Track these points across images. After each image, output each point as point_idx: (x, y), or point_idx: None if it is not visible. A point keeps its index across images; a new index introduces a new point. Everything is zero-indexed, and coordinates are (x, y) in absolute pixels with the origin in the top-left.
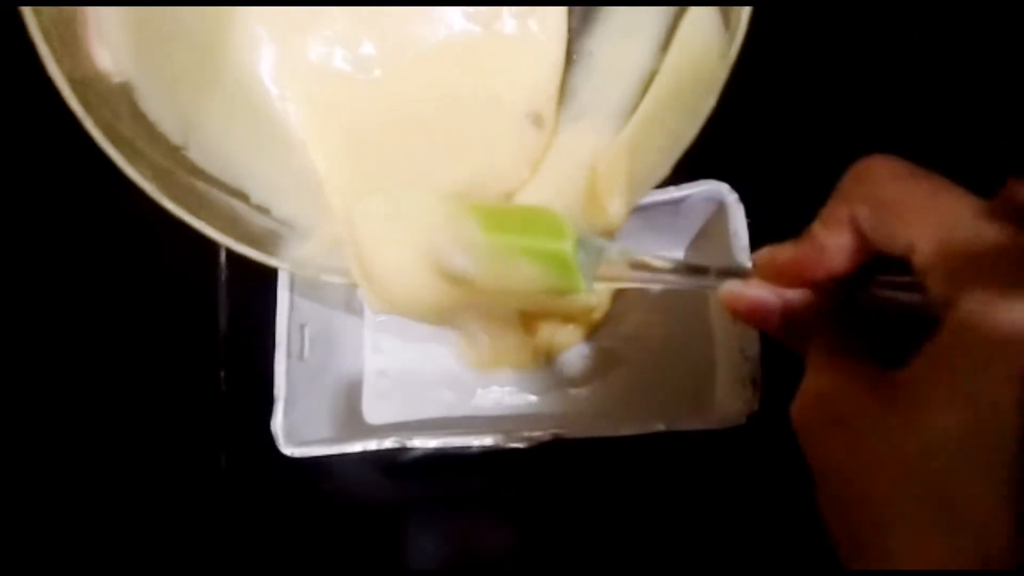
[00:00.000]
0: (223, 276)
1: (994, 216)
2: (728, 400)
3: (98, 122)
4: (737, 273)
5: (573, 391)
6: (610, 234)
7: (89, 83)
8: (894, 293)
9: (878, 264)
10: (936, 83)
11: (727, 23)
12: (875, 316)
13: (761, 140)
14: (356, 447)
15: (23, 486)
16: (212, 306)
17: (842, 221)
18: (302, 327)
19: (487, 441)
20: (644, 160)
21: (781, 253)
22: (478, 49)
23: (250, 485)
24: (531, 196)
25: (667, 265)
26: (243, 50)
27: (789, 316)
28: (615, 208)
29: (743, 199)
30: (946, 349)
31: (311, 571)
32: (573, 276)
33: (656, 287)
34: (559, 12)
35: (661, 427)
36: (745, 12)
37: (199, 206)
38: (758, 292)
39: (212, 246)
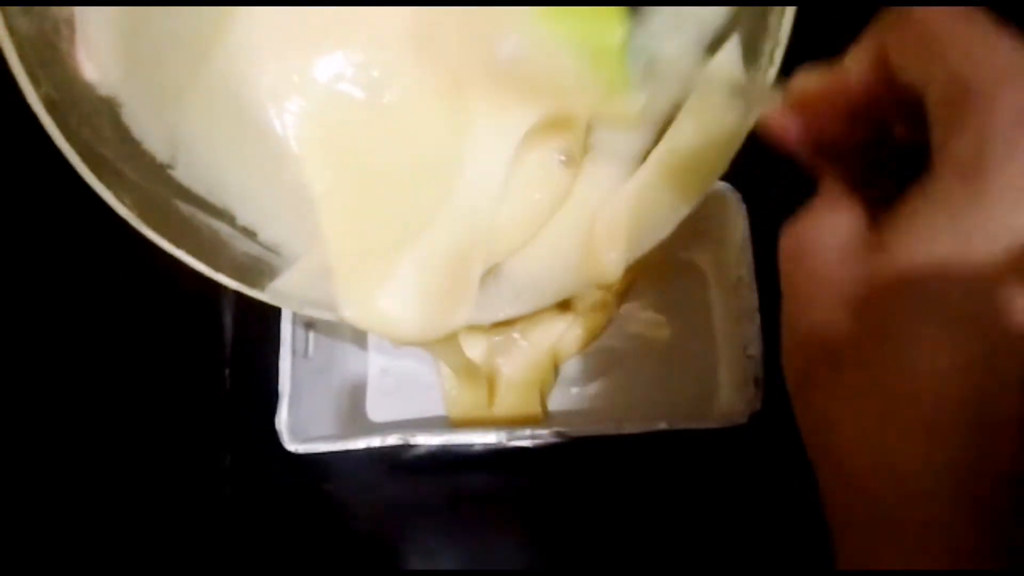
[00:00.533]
0: None
1: None
2: (731, 399)
3: (76, 145)
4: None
5: (576, 390)
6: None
7: (69, 104)
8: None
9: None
10: None
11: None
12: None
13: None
14: (360, 444)
15: (28, 483)
16: (218, 305)
17: (870, 47)
18: (307, 326)
19: (490, 439)
20: (648, 213)
21: (812, 79)
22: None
23: (254, 483)
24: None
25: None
26: (242, 58)
27: (819, 143)
28: (611, 260)
29: (745, 199)
30: (921, 200)
31: (315, 568)
32: (620, 72)
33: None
34: None
35: (663, 426)
36: (771, 73)
37: (182, 232)
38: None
39: None
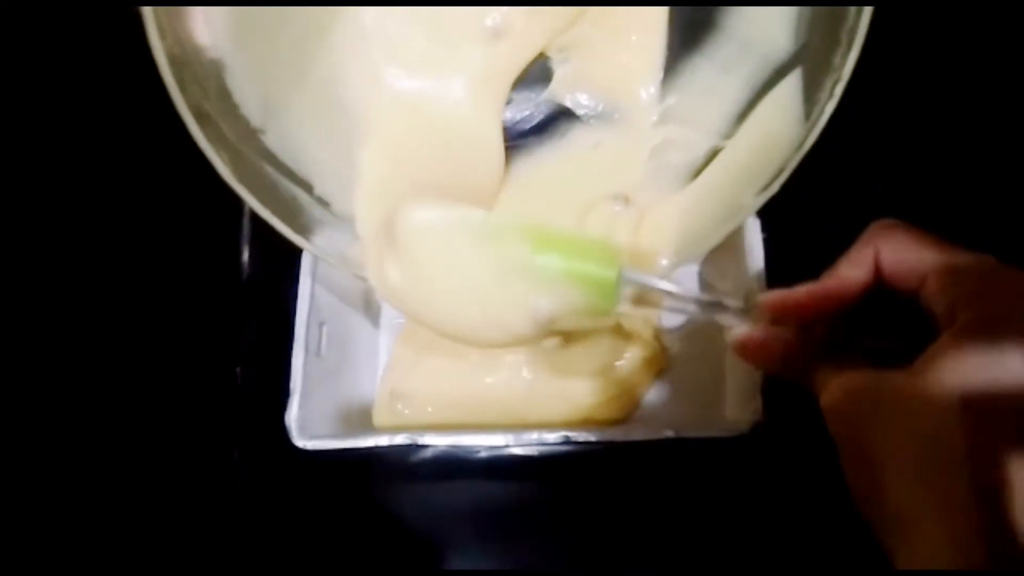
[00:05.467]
0: (245, 273)
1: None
2: (736, 409)
3: (188, 101)
4: (749, 312)
5: None
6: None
7: (185, 61)
8: (870, 338)
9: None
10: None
11: (808, 113)
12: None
13: None
14: (368, 442)
15: (36, 477)
16: (232, 302)
17: (866, 259)
18: (321, 325)
19: (497, 441)
20: (696, 224)
21: (797, 291)
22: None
23: (262, 477)
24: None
25: (690, 299)
26: (345, 44)
27: (789, 354)
28: (661, 267)
29: (756, 213)
30: (951, 342)
31: (318, 563)
32: (610, 302)
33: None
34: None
35: (670, 434)
36: (828, 107)
37: (266, 194)
38: (764, 336)
39: (235, 244)
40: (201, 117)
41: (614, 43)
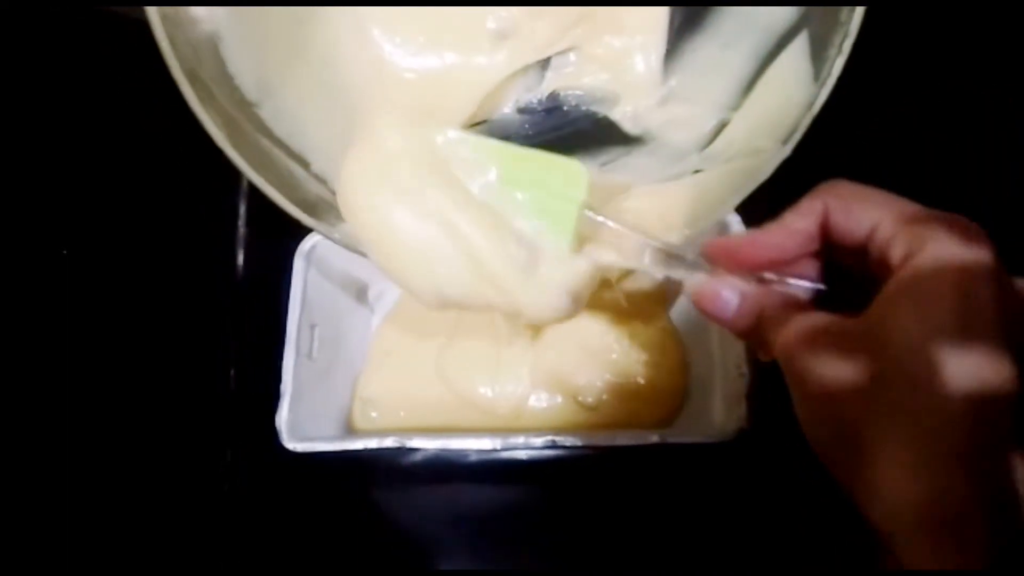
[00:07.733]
0: (239, 275)
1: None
2: (722, 415)
3: (180, 61)
4: (704, 267)
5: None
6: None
7: (179, 24)
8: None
9: None
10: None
11: (817, 72)
12: None
13: None
14: (357, 444)
15: (28, 476)
16: (227, 304)
17: (813, 211)
18: (312, 327)
19: (485, 444)
20: (709, 194)
21: (740, 237)
22: None
23: (252, 480)
24: None
25: (646, 244)
26: (344, 28)
27: (743, 306)
28: (672, 241)
29: (745, 223)
30: (906, 282)
31: (308, 565)
32: (565, 233)
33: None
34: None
35: (655, 439)
36: (838, 63)
37: (260, 163)
38: (718, 286)
39: (230, 247)
40: (194, 80)
41: (615, 37)
